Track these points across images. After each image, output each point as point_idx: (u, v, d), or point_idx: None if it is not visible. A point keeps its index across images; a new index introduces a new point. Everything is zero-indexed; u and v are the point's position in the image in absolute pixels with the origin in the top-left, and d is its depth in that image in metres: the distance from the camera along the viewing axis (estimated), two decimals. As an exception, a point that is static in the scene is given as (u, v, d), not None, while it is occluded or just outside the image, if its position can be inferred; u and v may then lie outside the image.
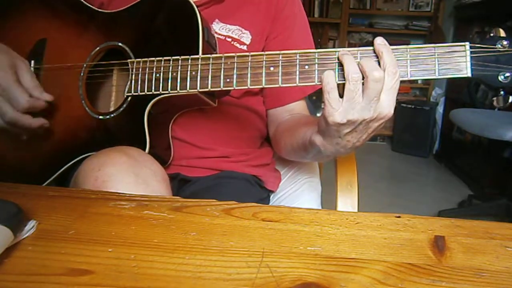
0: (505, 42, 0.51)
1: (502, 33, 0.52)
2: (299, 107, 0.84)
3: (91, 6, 0.76)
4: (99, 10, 0.75)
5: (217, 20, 0.78)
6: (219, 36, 0.76)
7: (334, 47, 3.85)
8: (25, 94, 0.65)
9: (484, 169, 2.50)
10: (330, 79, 0.53)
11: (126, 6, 0.73)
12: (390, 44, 0.54)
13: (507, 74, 0.51)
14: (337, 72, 0.54)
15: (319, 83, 0.55)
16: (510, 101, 0.53)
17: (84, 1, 0.76)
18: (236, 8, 0.80)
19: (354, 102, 0.52)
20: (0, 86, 0.64)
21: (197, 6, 0.66)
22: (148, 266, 0.38)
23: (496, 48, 0.51)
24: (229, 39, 0.78)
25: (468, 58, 0.52)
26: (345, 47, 0.56)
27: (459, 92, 2.89)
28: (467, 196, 2.35)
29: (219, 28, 0.78)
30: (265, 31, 0.81)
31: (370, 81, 0.51)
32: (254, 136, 0.88)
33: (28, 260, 0.39)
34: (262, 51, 0.81)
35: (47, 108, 0.69)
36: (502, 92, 0.53)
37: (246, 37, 0.79)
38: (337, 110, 0.53)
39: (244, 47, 0.79)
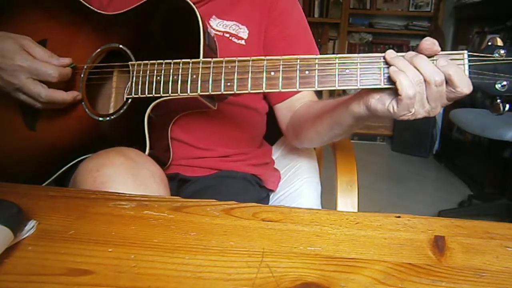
0: (502, 51, 0.52)
1: (500, 43, 0.53)
2: (307, 93, 0.82)
3: (91, 7, 0.76)
4: (100, 11, 0.75)
5: (214, 16, 0.79)
6: (217, 33, 0.76)
7: (334, 47, 3.88)
8: (50, 65, 0.66)
9: (484, 169, 2.50)
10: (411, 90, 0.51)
11: (127, 8, 0.73)
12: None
13: (504, 83, 0.52)
14: (382, 76, 0.54)
15: (320, 88, 0.55)
16: (506, 109, 0.53)
17: (84, 2, 0.76)
18: (232, 4, 0.81)
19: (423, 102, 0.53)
20: (24, 68, 0.64)
21: (194, 3, 0.66)
22: (148, 266, 0.38)
23: (493, 57, 0.52)
24: (227, 35, 0.78)
25: (467, 67, 0.53)
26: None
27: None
28: (467, 196, 2.34)
29: (216, 24, 0.78)
30: (262, 25, 0.81)
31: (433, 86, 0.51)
32: (253, 135, 0.88)
33: (28, 260, 0.39)
34: (263, 44, 0.81)
35: (50, 109, 0.70)
36: (498, 100, 0.53)
37: (243, 32, 0.79)
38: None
39: (242, 42, 0.79)
